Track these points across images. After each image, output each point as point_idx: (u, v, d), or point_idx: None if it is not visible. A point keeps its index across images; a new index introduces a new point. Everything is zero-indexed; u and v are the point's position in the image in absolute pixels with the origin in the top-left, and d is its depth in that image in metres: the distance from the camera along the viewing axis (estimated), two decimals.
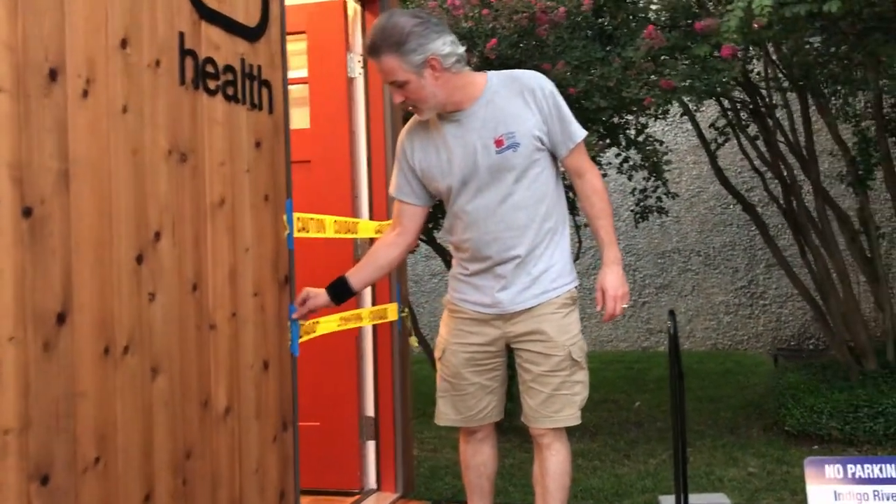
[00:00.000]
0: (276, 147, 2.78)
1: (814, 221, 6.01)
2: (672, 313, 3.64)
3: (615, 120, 5.25)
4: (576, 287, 2.84)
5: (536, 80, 2.75)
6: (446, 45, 2.63)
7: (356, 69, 3.65)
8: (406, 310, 3.59)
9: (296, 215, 2.85)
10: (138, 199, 2.14)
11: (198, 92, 2.40)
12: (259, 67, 2.69)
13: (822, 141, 7.83)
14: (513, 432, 5.83)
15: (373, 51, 2.65)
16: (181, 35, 2.34)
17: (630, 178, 6.11)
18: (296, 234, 2.84)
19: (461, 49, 2.71)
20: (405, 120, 4.17)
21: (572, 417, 2.83)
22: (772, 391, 6.31)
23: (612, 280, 2.76)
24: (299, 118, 3.76)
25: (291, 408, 2.77)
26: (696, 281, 8.69)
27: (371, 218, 3.63)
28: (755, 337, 8.55)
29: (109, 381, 2.01)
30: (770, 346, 8.46)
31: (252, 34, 2.68)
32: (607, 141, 5.29)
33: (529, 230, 2.70)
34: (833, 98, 5.99)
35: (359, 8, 3.66)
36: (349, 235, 3.21)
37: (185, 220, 2.32)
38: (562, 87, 4.57)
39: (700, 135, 6.51)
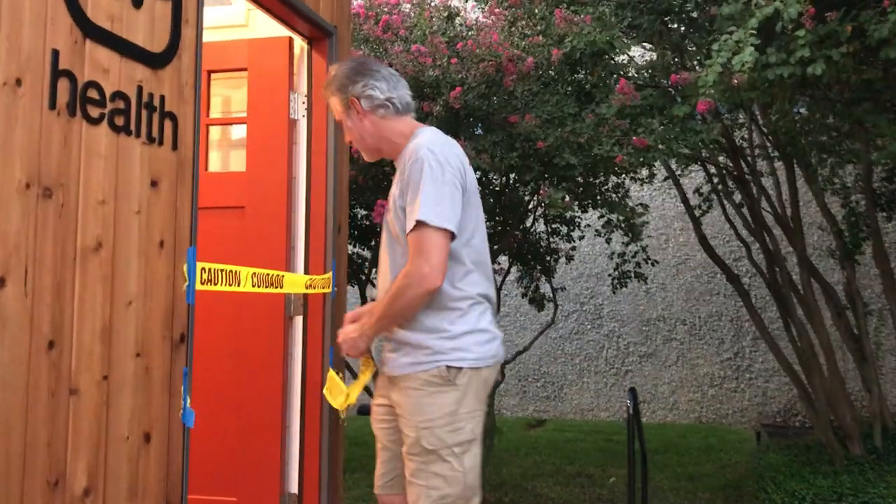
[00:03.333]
0: (179, 188, 2.41)
1: (799, 294, 5.61)
2: (633, 392, 3.25)
3: (591, 179, 4.90)
4: (461, 367, 2.41)
5: (417, 147, 2.48)
6: (367, 88, 2.59)
7: (300, 110, 3.31)
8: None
9: (201, 265, 2.47)
10: None
11: (73, 119, 2.04)
12: (162, 98, 2.34)
13: (812, 213, 7.47)
14: None
15: (324, 91, 2.74)
16: (55, 53, 1.99)
17: (609, 241, 5.74)
18: (200, 287, 2.46)
19: (393, 94, 2.61)
20: (353, 164, 3.82)
21: None
22: (752, 472, 5.84)
23: (353, 328, 2.56)
24: (238, 160, 3.41)
25: (180, 486, 2.35)
26: (681, 350, 8.24)
27: (306, 271, 3.24)
28: (740, 411, 8.07)
29: None
30: (755, 421, 7.97)
31: (156, 60, 2.33)
32: (576, 201, 4.93)
33: None
34: (820, 168, 5.64)
35: (306, 46, 3.33)
36: (272, 290, 2.83)
37: (43, 266, 1.93)
38: (530, 140, 4.25)
39: (685, 200, 6.15)
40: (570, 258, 5.81)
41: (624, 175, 4.87)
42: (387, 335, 2.53)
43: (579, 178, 4.58)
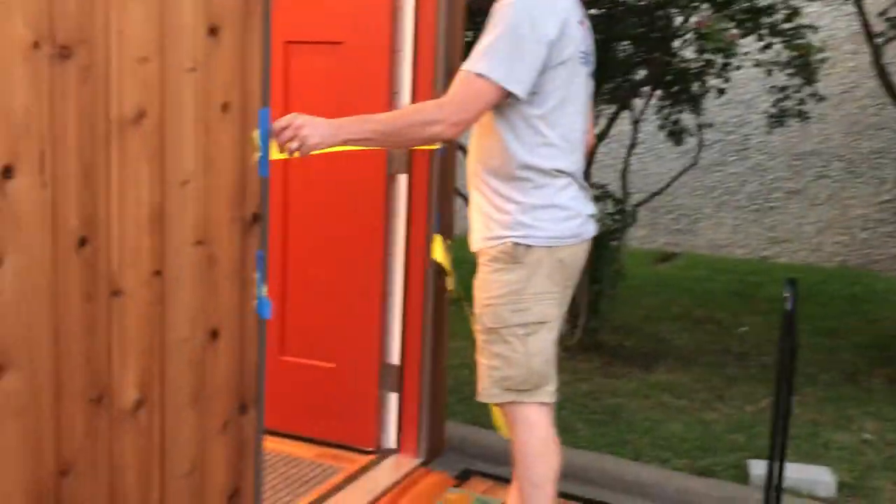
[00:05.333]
0: (247, 34, 1.90)
1: None
2: (792, 283, 2.66)
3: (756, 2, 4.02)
4: (530, 244, 2.15)
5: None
6: None
7: None
8: (448, 242, 2.74)
9: None
10: None
11: None
12: None
13: None
14: (596, 350, 5.02)
15: None
16: None
17: (769, 73, 4.86)
18: (277, 156, 2.01)
19: None
20: None
21: (485, 394, 2.27)
22: None
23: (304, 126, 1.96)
24: None
25: (255, 384, 2.03)
26: (834, 189, 7.34)
27: None
28: (892, 258, 7.23)
29: None
30: None
31: None
32: (747, 26, 4.09)
33: (480, 164, 2.22)
34: None
35: None
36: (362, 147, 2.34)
37: (65, 146, 1.52)
38: None
39: (865, 24, 5.11)
40: (721, 92, 4.99)
41: None
42: (470, 208, 2.27)
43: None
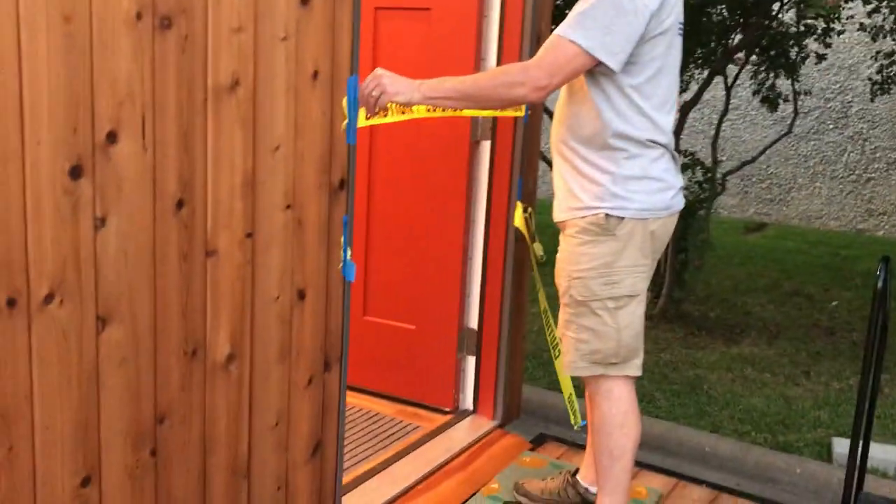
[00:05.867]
0: (337, 3, 1.93)
1: None
2: (886, 261, 2.56)
3: None
4: (623, 216, 2.10)
5: None
6: None
7: None
8: (530, 210, 2.74)
9: None
10: (77, 83, 1.43)
11: None
12: None
13: None
14: (679, 320, 4.95)
15: None
16: None
17: (874, 38, 4.63)
18: (364, 123, 2.05)
19: None
20: None
21: (571, 366, 2.24)
22: None
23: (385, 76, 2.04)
24: None
25: (340, 344, 2.10)
26: None
27: None
28: None
29: (12, 344, 1.40)
30: None
31: None
32: None
33: (569, 132, 2.16)
34: None
35: None
36: (448, 114, 2.35)
37: (165, 112, 1.59)
38: None
39: None
40: (821, 58, 4.78)
41: None
42: (554, 176, 2.20)
43: None
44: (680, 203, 2.20)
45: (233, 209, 1.76)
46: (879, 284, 2.55)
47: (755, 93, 5.32)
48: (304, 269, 1.96)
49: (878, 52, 4.85)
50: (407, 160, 2.88)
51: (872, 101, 5.32)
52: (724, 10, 4.43)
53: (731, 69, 5.02)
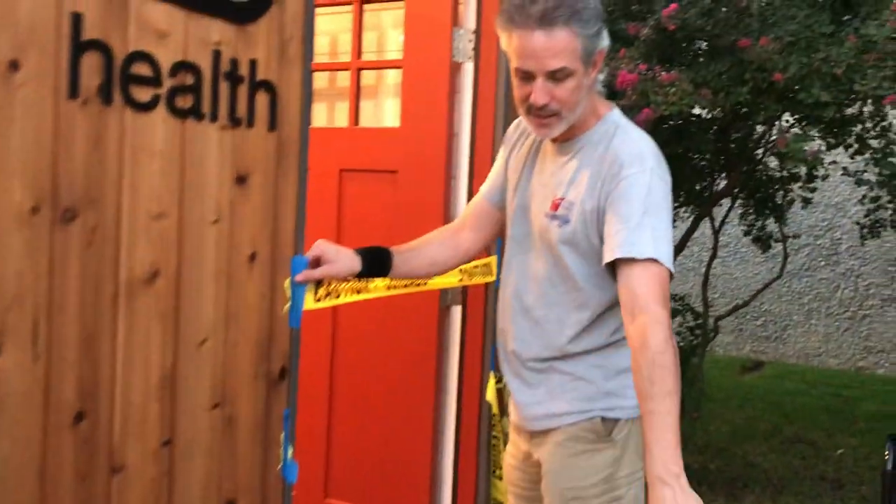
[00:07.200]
0: (279, 180, 1.76)
1: None
2: (894, 440, 2.31)
3: (844, 112, 3.73)
4: (619, 417, 1.74)
5: (639, 154, 1.67)
6: (607, 40, 1.74)
7: (465, 51, 2.53)
8: (504, 381, 2.47)
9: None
10: None
11: (109, 108, 1.42)
12: (253, 63, 1.67)
13: None
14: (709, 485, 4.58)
15: (546, 18, 1.63)
16: (75, 18, 1.36)
17: (859, 183, 4.51)
18: (311, 307, 1.83)
19: None
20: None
21: None
22: None
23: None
24: (391, 111, 2.72)
25: None
26: None
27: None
28: None
29: None
30: None
31: (242, 12, 1.65)
32: (830, 141, 3.80)
33: (562, 324, 1.77)
34: None
35: None
36: (412, 290, 2.14)
37: (65, 314, 1.37)
38: (765, 70, 3.19)
39: None
40: (807, 202, 4.66)
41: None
42: (518, 370, 1.84)
43: (829, 116, 3.46)
44: None
45: (147, 415, 1.52)
46: (889, 467, 2.28)
47: (746, 233, 5.18)
48: (236, 476, 1.70)
49: (864, 196, 4.73)
50: (373, 328, 2.66)
51: (862, 244, 5.16)
52: (707, 157, 4.34)
53: (718, 210, 4.90)
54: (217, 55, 1.60)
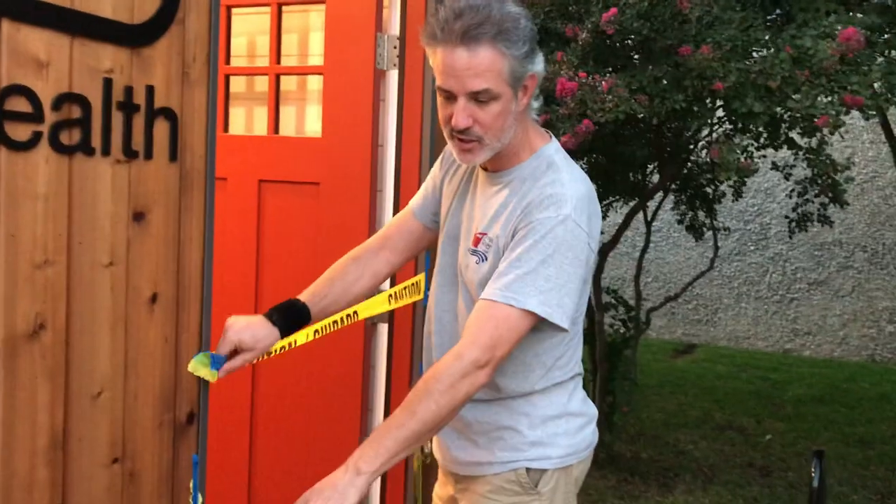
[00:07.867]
0: (183, 214, 1.62)
1: None
2: (819, 456, 2.30)
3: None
4: (545, 468, 1.66)
5: (559, 198, 1.56)
6: (541, 65, 1.63)
7: (389, 58, 2.41)
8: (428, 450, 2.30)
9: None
10: None
11: None
12: (150, 89, 1.53)
13: None
14: (611, 465, 4.60)
15: (469, 35, 1.50)
16: None
17: (787, 177, 4.55)
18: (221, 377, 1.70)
19: None
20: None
21: None
22: None
23: (320, 485, 1.50)
24: (313, 119, 2.59)
25: None
26: (859, 280, 6.94)
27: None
28: None
29: None
30: None
31: (136, 35, 1.50)
32: (762, 142, 3.79)
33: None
34: None
35: None
36: (343, 325, 2.02)
37: None
38: (705, 79, 3.13)
39: (884, 122, 4.80)
40: (738, 195, 4.68)
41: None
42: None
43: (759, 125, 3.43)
44: (596, 436, 1.78)
45: (33, 483, 1.38)
46: (815, 483, 2.27)
47: (679, 222, 5.20)
48: None
49: (792, 191, 4.77)
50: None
51: (790, 237, 5.22)
52: (644, 148, 4.31)
53: (651, 202, 4.90)
54: (108, 84, 1.45)
